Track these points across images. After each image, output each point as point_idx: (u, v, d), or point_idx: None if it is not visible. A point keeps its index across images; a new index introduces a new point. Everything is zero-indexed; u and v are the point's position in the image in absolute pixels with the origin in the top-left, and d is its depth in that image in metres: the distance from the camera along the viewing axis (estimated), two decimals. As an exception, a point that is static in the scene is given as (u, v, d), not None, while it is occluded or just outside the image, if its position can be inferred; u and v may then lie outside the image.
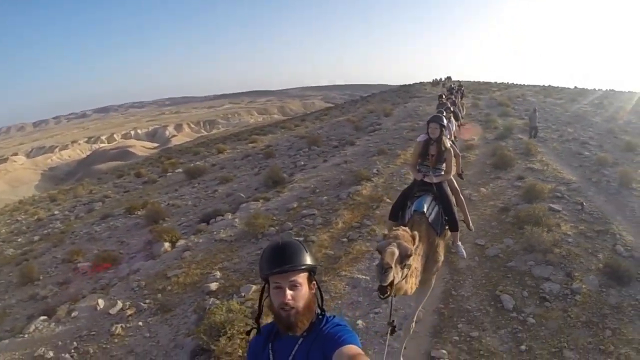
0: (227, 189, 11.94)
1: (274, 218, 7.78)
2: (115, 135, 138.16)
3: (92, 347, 4.73)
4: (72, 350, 4.71)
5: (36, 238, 11.25)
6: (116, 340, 4.83)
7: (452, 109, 8.95)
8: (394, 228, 2.83)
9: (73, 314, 5.42)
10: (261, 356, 1.47)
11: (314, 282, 1.44)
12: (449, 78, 37.10)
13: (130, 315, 5.28)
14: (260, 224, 7.27)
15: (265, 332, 1.50)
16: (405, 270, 2.53)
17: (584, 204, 7.25)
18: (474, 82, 49.24)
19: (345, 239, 6.52)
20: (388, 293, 2.39)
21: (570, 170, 10.00)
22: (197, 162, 17.71)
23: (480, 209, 7.36)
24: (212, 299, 5.21)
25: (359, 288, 5.13)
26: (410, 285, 2.83)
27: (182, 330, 4.81)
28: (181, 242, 7.57)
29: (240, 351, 4.01)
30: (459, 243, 4.19)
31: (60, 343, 4.86)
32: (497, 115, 18.80)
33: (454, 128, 8.31)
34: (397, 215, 3.88)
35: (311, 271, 1.42)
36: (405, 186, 8.29)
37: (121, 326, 5.03)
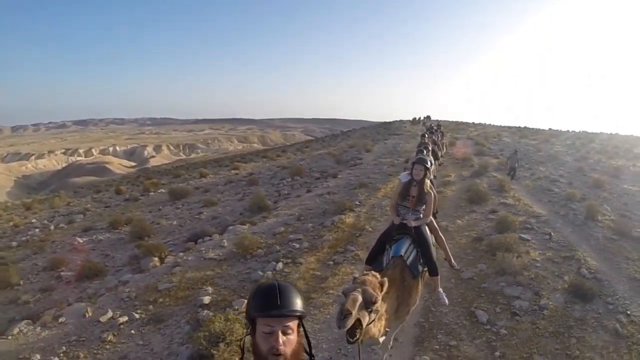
0: (212, 212, 12.10)
1: (262, 241, 7.93)
2: (93, 150, 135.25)
3: (82, 352, 4.69)
4: (61, 354, 4.65)
5: (14, 244, 10.99)
6: (108, 347, 4.82)
7: (430, 148, 9.48)
8: (364, 272, 2.80)
9: (60, 320, 5.35)
10: None
11: (302, 328, 1.39)
12: (428, 117, 38.37)
13: (122, 323, 5.29)
14: (249, 244, 7.41)
15: None
16: (373, 315, 2.50)
17: (552, 234, 7.86)
18: (452, 121, 51.32)
19: (331, 262, 6.83)
20: (357, 337, 2.36)
21: (541, 205, 10.73)
22: (180, 184, 17.76)
23: (456, 239, 7.86)
24: (205, 311, 5.32)
25: (345, 306, 5.42)
26: (378, 328, 2.80)
27: (177, 340, 4.87)
28: (170, 259, 7.65)
29: (237, 358, 4.17)
30: (440, 290, 4.19)
31: (47, 347, 4.79)
32: (473, 154, 19.73)
33: (432, 167, 8.85)
34: (375, 259, 3.83)
35: (301, 317, 1.37)
36: (386, 217, 8.64)
37: (113, 333, 5.04)
